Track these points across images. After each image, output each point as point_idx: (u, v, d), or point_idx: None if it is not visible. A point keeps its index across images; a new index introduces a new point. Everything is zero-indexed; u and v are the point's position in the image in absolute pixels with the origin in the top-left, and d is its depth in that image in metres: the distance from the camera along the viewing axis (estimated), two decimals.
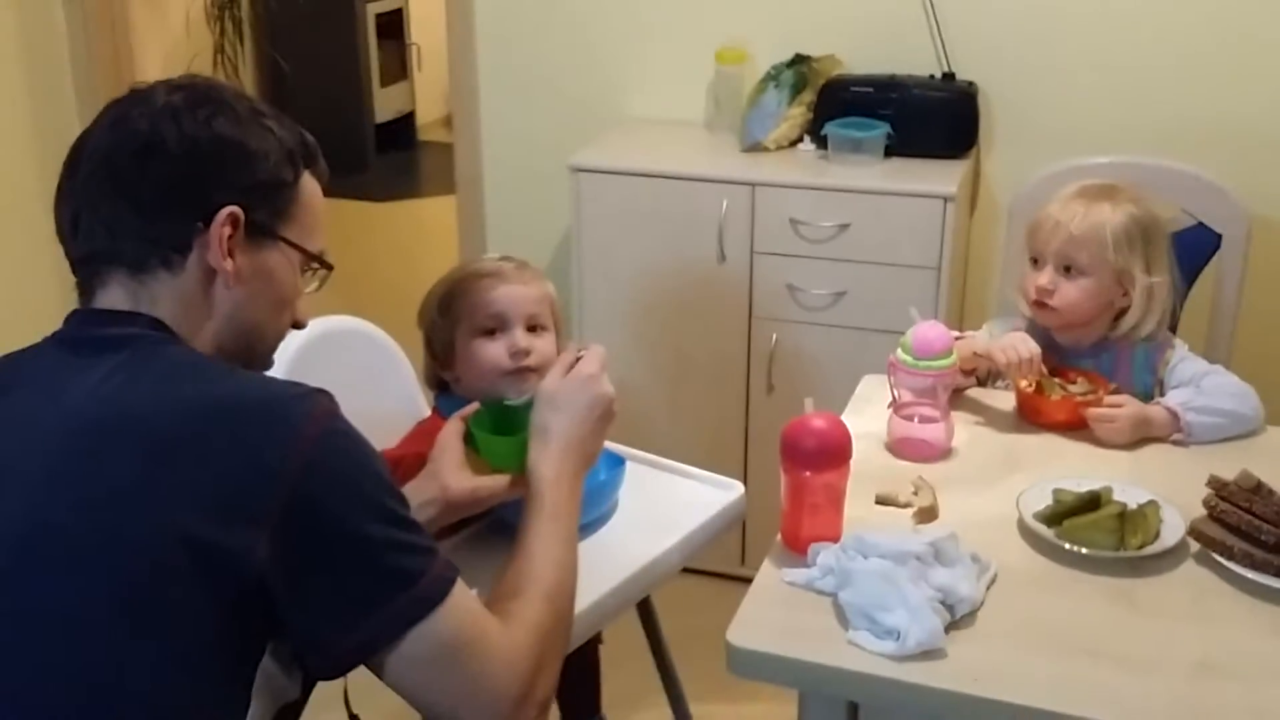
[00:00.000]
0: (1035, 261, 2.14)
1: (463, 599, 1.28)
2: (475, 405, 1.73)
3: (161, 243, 1.30)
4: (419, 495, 1.57)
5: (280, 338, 1.43)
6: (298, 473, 1.19)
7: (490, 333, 1.85)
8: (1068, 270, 2.10)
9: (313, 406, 1.24)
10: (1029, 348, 2.04)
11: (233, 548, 1.17)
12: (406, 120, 7.32)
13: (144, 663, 1.15)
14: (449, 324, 1.87)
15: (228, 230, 1.30)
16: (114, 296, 1.31)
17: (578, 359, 1.58)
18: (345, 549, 1.21)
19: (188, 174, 1.29)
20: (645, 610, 2.00)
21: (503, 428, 1.67)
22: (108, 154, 1.30)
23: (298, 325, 1.45)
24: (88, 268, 1.32)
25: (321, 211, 1.42)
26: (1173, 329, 2.25)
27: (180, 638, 1.16)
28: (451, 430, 1.68)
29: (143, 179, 1.28)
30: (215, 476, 1.18)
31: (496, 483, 1.62)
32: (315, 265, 1.42)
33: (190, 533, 1.16)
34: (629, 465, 1.87)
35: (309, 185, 1.40)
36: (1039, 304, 2.12)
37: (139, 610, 1.15)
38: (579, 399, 1.54)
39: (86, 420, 1.21)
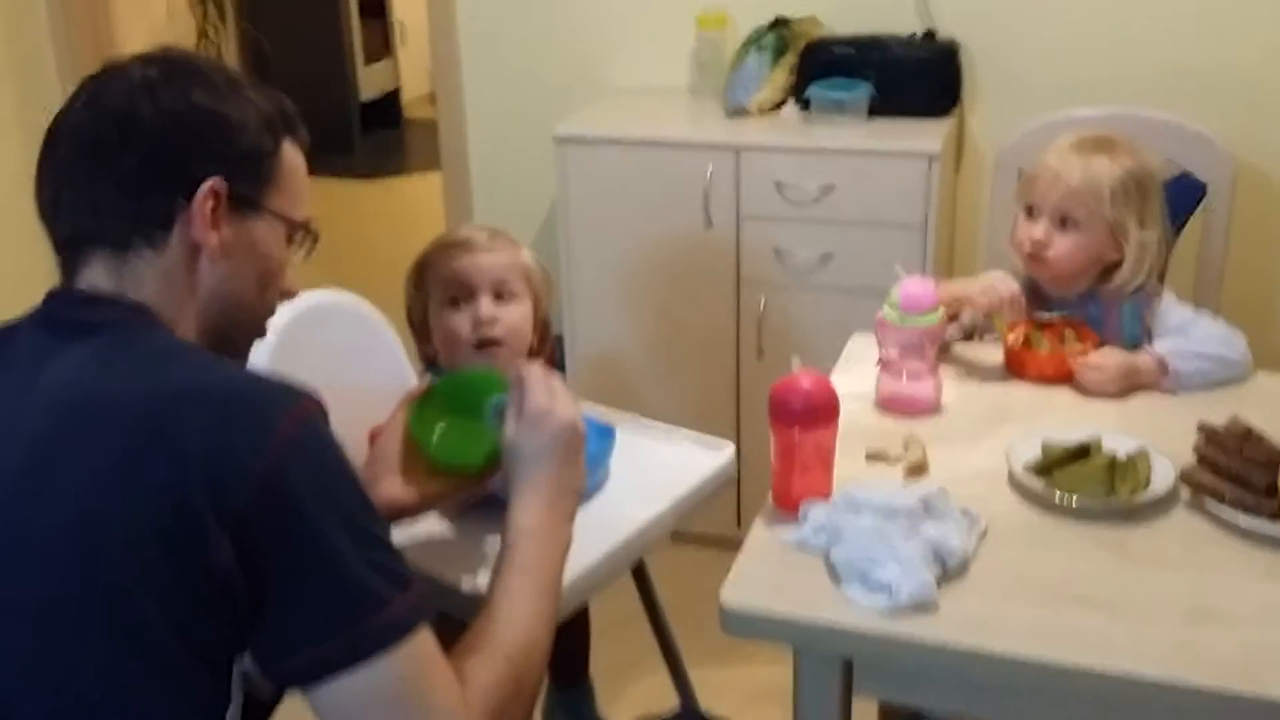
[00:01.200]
0: (1030, 212, 2.13)
1: (426, 641, 1.22)
2: (427, 380, 1.72)
3: (144, 219, 1.28)
4: None
5: (270, 312, 1.41)
6: (268, 473, 1.15)
7: (455, 302, 1.85)
8: (1064, 223, 2.09)
9: (293, 406, 1.20)
10: (1008, 287, 2.04)
11: (201, 545, 1.13)
12: (392, 98, 7.30)
13: (119, 658, 1.13)
14: (421, 296, 1.87)
15: (211, 203, 1.28)
16: (97, 276, 1.28)
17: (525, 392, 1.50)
18: (311, 560, 1.17)
19: (167, 148, 1.27)
20: (640, 575, 2.01)
21: (449, 408, 1.66)
22: (85, 132, 1.28)
23: (286, 295, 1.43)
24: (71, 248, 1.30)
25: (305, 179, 1.40)
26: (1160, 278, 2.24)
27: (156, 633, 1.13)
28: (395, 423, 1.66)
29: (122, 156, 1.26)
30: (186, 469, 1.14)
31: (418, 498, 1.60)
32: (301, 234, 1.40)
33: (161, 526, 1.13)
34: (618, 431, 1.87)
35: (290, 153, 1.37)
36: (1032, 256, 2.12)
37: (113, 605, 1.13)
38: (541, 440, 1.46)
39: (60, 407, 1.19)
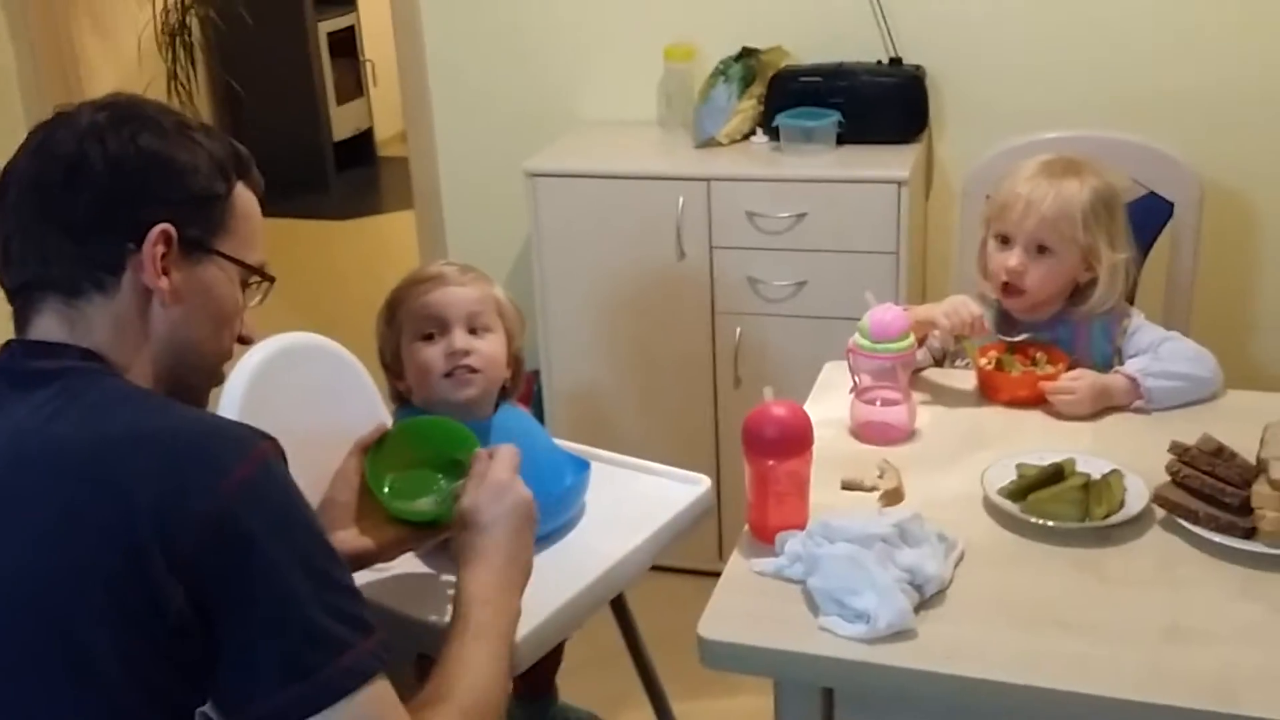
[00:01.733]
0: (1004, 241, 2.12)
1: (386, 689, 1.21)
2: (379, 428, 1.72)
3: (94, 265, 1.27)
4: None
5: (224, 356, 1.40)
6: (221, 517, 1.14)
7: (429, 337, 1.84)
8: (1039, 250, 2.08)
9: (249, 449, 1.19)
10: (970, 310, 2.05)
11: (153, 591, 1.12)
12: (365, 137, 7.32)
13: (77, 706, 1.12)
14: (394, 333, 1.86)
15: (161, 248, 1.27)
16: (48, 325, 1.28)
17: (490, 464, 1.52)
18: (266, 605, 1.15)
19: (115, 193, 1.27)
20: (620, 609, 2.00)
21: (406, 454, 1.66)
22: (35, 178, 1.28)
23: (244, 340, 1.42)
24: (22, 296, 1.30)
25: (259, 222, 1.39)
26: (1130, 299, 2.26)
27: (112, 681, 1.12)
28: (347, 470, 1.65)
29: (70, 202, 1.26)
30: (134, 514, 1.12)
31: (373, 549, 1.60)
32: (256, 278, 1.39)
33: (111, 572, 1.11)
34: (594, 466, 1.87)
35: (243, 196, 1.37)
36: (1007, 285, 2.11)
37: (67, 653, 1.11)
38: (497, 511, 1.48)
39: (8, 457, 1.18)
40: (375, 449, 1.68)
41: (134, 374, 1.29)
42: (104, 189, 1.26)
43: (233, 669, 1.16)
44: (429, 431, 1.69)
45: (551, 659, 2.16)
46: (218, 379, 1.41)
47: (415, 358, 1.83)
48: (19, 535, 1.14)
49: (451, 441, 1.64)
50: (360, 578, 1.64)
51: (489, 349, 1.84)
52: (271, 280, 1.41)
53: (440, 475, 1.68)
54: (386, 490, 1.64)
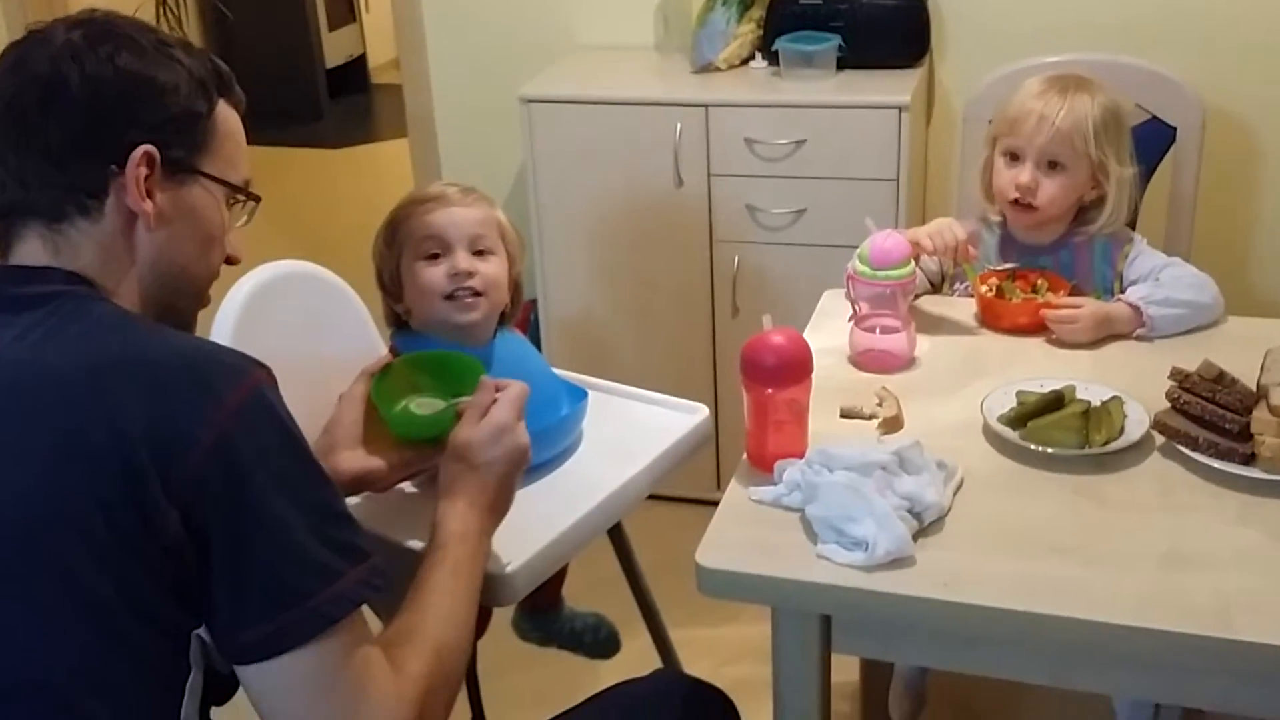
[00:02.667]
0: (1013, 158, 2.09)
1: (362, 624, 1.21)
2: (385, 357, 1.70)
3: (76, 190, 1.25)
4: None
5: (212, 277, 1.38)
6: (216, 444, 1.13)
7: (433, 257, 1.81)
8: (1050, 166, 2.06)
9: (241, 377, 1.18)
10: (954, 233, 2.03)
11: (149, 516, 1.12)
12: (358, 64, 7.25)
13: (74, 631, 1.12)
14: (394, 253, 1.83)
15: (143, 170, 1.25)
16: (33, 250, 1.26)
17: (493, 402, 1.48)
18: (259, 533, 1.15)
19: (94, 115, 1.24)
20: (618, 538, 2.00)
21: (412, 383, 1.64)
22: (10, 102, 1.24)
23: (231, 261, 1.40)
24: (4, 222, 1.27)
25: (242, 141, 1.36)
26: (1132, 224, 2.24)
27: (109, 606, 1.12)
28: (354, 394, 1.64)
29: (49, 125, 1.23)
30: (128, 434, 1.12)
31: (387, 466, 1.59)
32: (241, 198, 1.37)
33: (106, 498, 1.11)
34: (592, 396, 1.86)
35: (225, 115, 1.34)
36: (1017, 203, 2.09)
37: (63, 579, 1.11)
38: (492, 454, 1.44)
39: (1, 383, 1.17)
40: (382, 376, 1.66)
41: (121, 297, 1.28)
42: (82, 111, 1.24)
43: (224, 595, 1.16)
44: (437, 363, 1.67)
45: (557, 575, 2.16)
46: (205, 301, 1.39)
47: (417, 278, 1.81)
48: (11, 462, 1.13)
49: (460, 373, 1.62)
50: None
51: (492, 271, 1.82)
52: (257, 199, 1.39)
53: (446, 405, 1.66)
54: (397, 412, 1.62)
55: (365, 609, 1.22)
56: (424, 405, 1.63)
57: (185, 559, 1.14)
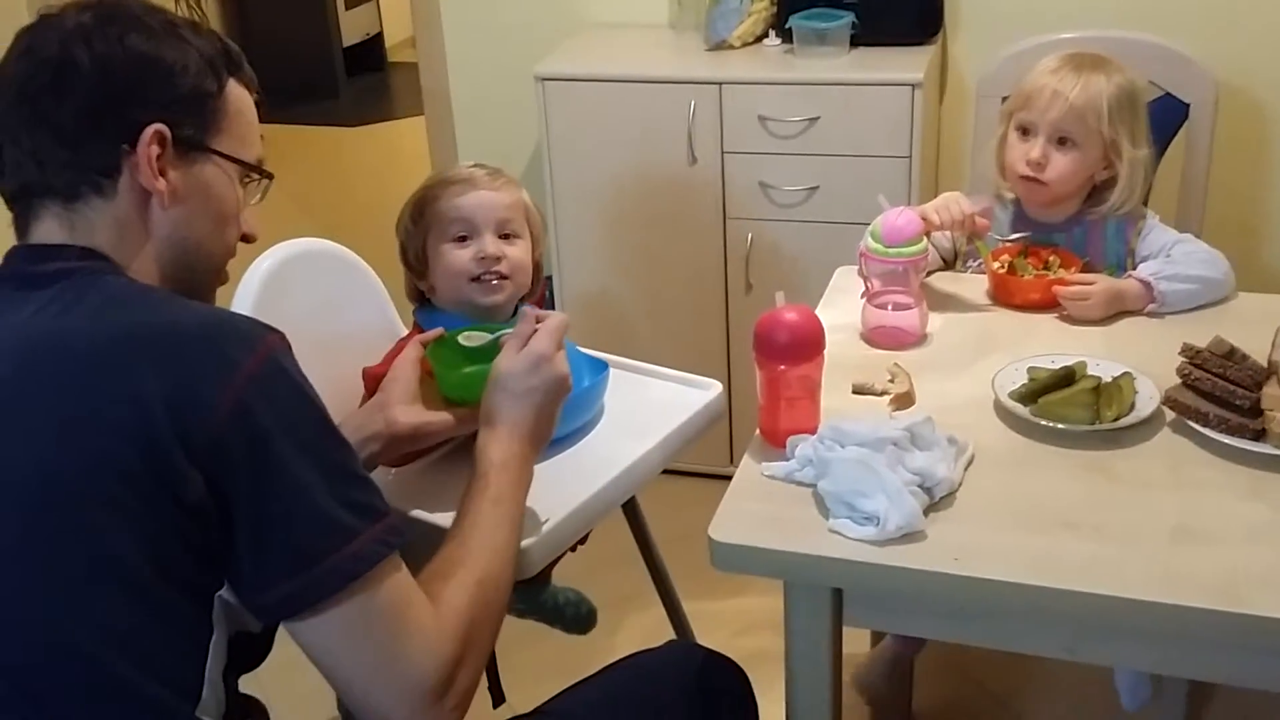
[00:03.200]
0: (1025, 132, 2.10)
1: (398, 569, 1.24)
2: (439, 330, 1.72)
3: (89, 169, 1.27)
4: (363, 429, 1.55)
5: (228, 254, 1.39)
6: (231, 408, 1.15)
7: (461, 239, 1.83)
8: (1061, 142, 2.06)
9: (258, 343, 1.20)
10: (960, 208, 2.03)
11: (172, 481, 1.13)
12: (374, 42, 7.24)
13: (97, 593, 1.14)
14: (420, 231, 1.85)
15: (155, 149, 1.27)
16: (49, 229, 1.28)
17: (534, 333, 1.52)
18: (279, 495, 1.17)
19: (106, 96, 1.26)
20: (632, 512, 2.02)
21: (463, 354, 1.65)
22: (22, 84, 1.26)
23: (247, 238, 1.41)
24: (20, 202, 1.29)
25: (254, 119, 1.38)
26: (1145, 200, 2.24)
27: (132, 568, 1.14)
28: (407, 357, 1.66)
29: (61, 106, 1.25)
30: (147, 402, 1.14)
31: (443, 420, 1.61)
32: (254, 175, 1.39)
33: (127, 466, 1.13)
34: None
35: (236, 93, 1.36)
36: (1028, 178, 2.09)
37: (86, 543, 1.13)
38: (532, 382, 1.47)
39: (20, 351, 1.19)
40: (437, 344, 1.68)
41: (138, 273, 1.29)
42: (93, 92, 1.25)
43: (246, 556, 1.18)
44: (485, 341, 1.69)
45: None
46: (224, 278, 1.41)
47: (444, 259, 1.83)
48: (34, 433, 1.15)
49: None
50: None
51: (518, 255, 1.85)
52: (270, 177, 1.41)
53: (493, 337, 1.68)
54: (455, 379, 1.63)
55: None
56: (471, 338, 1.65)
57: (208, 521, 1.16)
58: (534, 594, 2.21)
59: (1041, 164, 2.07)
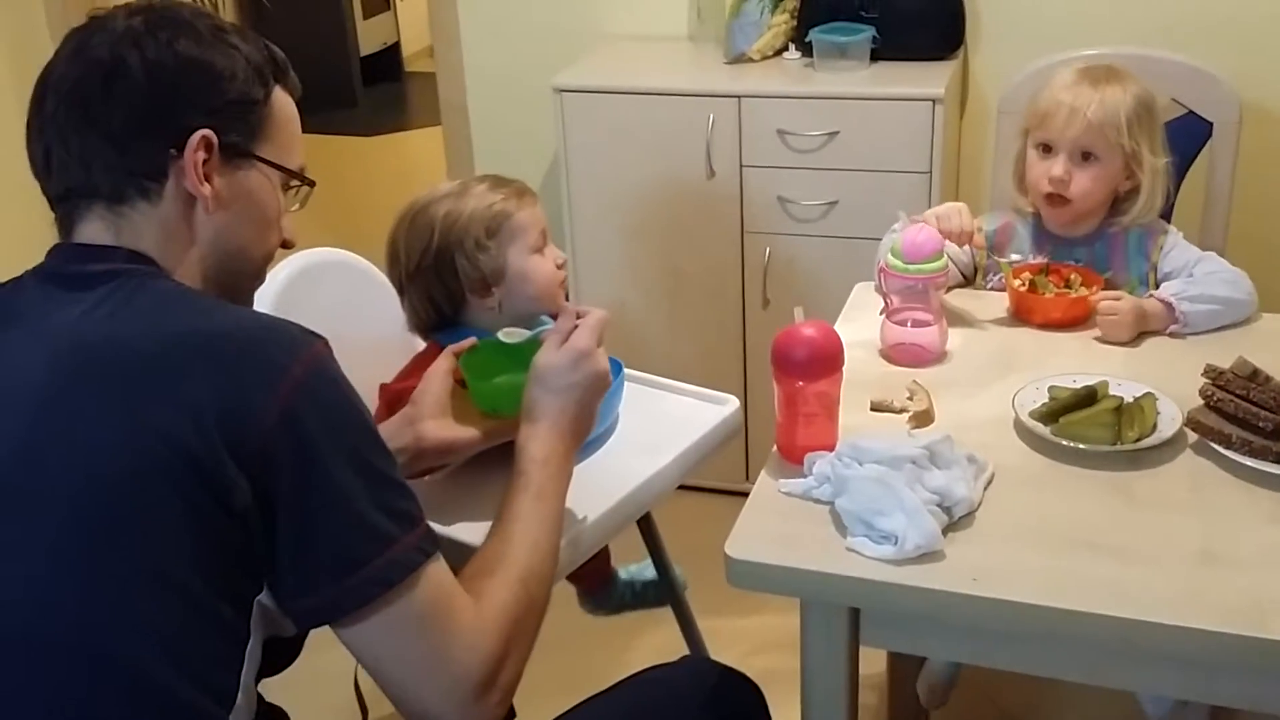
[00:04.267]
0: (1046, 150, 2.09)
1: (437, 571, 1.25)
2: (470, 340, 1.72)
3: (136, 172, 1.27)
4: (393, 440, 1.53)
5: (269, 258, 1.41)
6: (279, 415, 1.16)
7: (538, 249, 1.87)
8: (1084, 158, 2.05)
9: (304, 350, 1.21)
10: (962, 221, 2.02)
11: (219, 486, 1.14)
12: (392, 51, 7.27)
13: (138, 594, 1.14)
14: (498, 245, 1.84)
15: (202, 155, 1.27)
16: (95, 231, 1.28)
17: (574, 328, 1.52)
18: (323, 502, 1.18)
19: (154, 100, 1.26)
20: (647, 528, 2.01)
21: (496, 365, 1.65)
22: (72, 86, 1.27)
23: (286, 245, 1.42)
24: (65, 203, 1.30)
25: (297, 127, 1.39)
26: (1166, 217, 2.23)
27: (176, 570, 1.15)
28: (439, 369, 1.66)
29: (110, 109, 1.25)
30: (196, 408, 1.14)
31: (472, 436, 1.62)
32: (296, 183, 1.39)
33: (174, 471, 1.14)
34: (623, 387, 1.86)
35: (281, 101, 1.37)
36: (1052, 196, 2.08)
37: (130, 545, 1.14)
38: (572, 378, 1.49)
39: (70, 352, 1.19)
40: (470, 354, 1.69)
41: (182, 276, 1.30)
42: (143, 96, 1.26)
43: (288, 561, 1.19)
44: (515, 349, 1.68)
45: (598, 554, 2.18)
46: (260, 280, 1.43)
47: (534, 269, 1.86)
48: (83, 435, 1.16)
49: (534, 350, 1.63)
50: None
51: None
52: (312, 184, 1.42)
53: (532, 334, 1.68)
54: (487, 391, 1.64)
55: None
56: (510, 334, 1.66)
57: (253, 527, 1.17)
58: (608, 597, 2.21)
59: (1065, 181, 2.05)
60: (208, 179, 1.29)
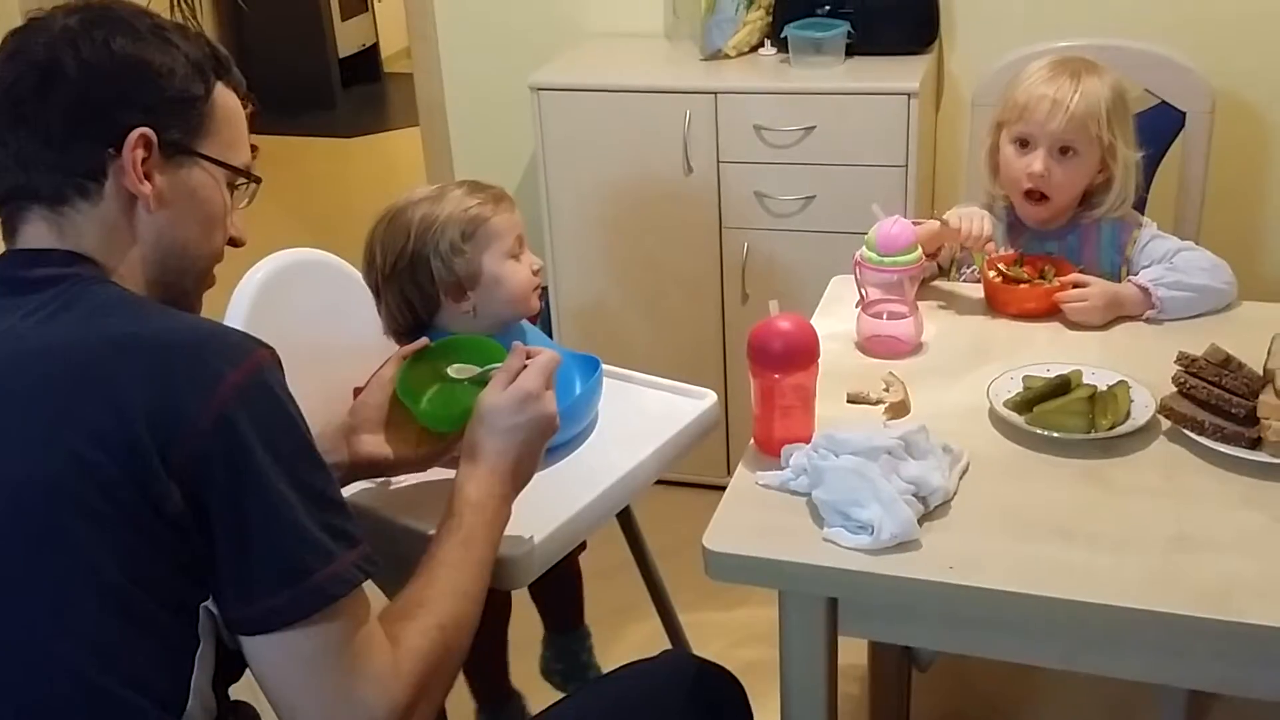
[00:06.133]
0: (1024, 144, 2.08)
1: (366, 605, 1.22)
2: (423, 341, 1.72)
3: (75, 173, 1.26)
4: (328, 453, 1.47)
5: (215, 258, 1.38)
6: (213, 421, 1.14)
7: (514, 255, 1.87)
8: (1064, 152, 2.05)
9: (244, 357, 1.19)
10: (981, 225, 2.02)
11: (151, 492, 1.13)
12: (370, 53, 7.26)
13: (80, 605, 1.13)
14: (474, 250, 1.83)
15: (141, 153, 1.26)
16: (37, 233, 1.27)
17: (523, 367, 1.49)
18: (260, 509, 1.16)
19: (91, 99, 1.25)
20: (627, 522, 2.02)
21: (435, 375, 1.66)
22: (8, 87, 1.26)
23: (234, 243, 1.40)
24: (7, 206, 1.29)
25: (242, 123, 1.37)
26: (1140, 209, 2.24)
27: (112, 580, 1.13)
28: (383, 376, 1.65)
29: (46, 109, 1.24)
30: (127, 412, 1.13)
31: (403, 457, 1.61)
32: (242, 180, 1.38)
33: (106, 475, 1.12)
34: (603, 382, 1.87)
35: (224, 97, 1.34)
36: (1031, 193, 2.08)
37: (66, 553, 1.13)
38: (517, 420, 1.45)
39: (3, 357, 1.19)
40: (412, 362, 1.68)
41: (125, 277, 1.29)
42: (79, 95, 1.25)
43: (228, 569, 1.17)
44: (469, 349, 1.68)
45: (573, 589, 2.19)
46: (210, 281, 1.40)
47: (509, 275, 1.85)
48: (12, 438, 1.15)
49: (494, 356, 1.63)
50: (359, 486, 1.67)
51: None
52: (257, 181, 1.40)
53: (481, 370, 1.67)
54: (424, 404, 1.64)
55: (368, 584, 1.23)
56: (460, 370, 1.64)
57: (189, 534, 1.15)
58: (570, 642, 2.21)
59: (1045, 177, 2.05)
60: (148, 177, 1.27)
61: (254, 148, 1.40)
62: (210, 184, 1.34)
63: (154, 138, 1.27)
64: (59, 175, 1.26)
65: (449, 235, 1.83)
